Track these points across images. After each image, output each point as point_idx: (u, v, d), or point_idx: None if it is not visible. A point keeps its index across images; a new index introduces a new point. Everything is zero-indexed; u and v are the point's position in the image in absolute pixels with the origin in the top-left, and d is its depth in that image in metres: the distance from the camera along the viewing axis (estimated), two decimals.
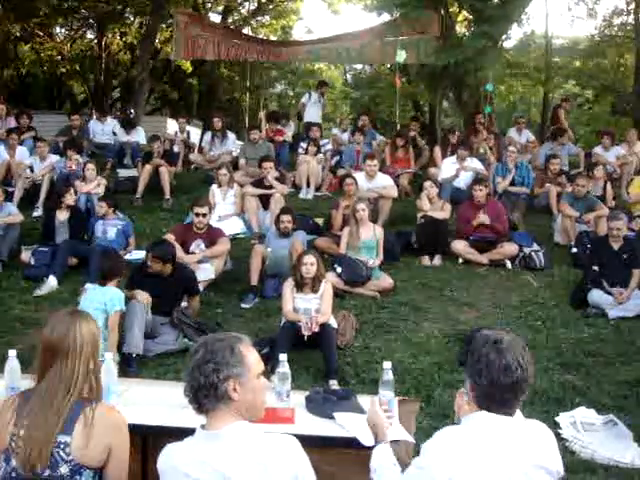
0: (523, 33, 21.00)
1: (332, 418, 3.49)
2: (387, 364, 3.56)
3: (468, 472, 2.41)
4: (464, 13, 17.63)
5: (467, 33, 15.06)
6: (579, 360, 6.53)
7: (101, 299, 6.12)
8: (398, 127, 15.02)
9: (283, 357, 3.72)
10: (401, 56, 13.64)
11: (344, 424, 3.41)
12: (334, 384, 5.87)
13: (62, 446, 2.60)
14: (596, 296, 7.60)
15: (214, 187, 9.96)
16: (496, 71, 14.92)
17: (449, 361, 6.50)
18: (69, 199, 8.97)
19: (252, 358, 2.53)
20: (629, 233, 8.62)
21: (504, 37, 15.29)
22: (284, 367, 3.68)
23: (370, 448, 3.08)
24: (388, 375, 3.54)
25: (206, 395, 2.44)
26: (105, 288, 6.23)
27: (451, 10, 15.84)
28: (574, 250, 8.91)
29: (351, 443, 3.31)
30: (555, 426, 5.32)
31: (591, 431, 5.28)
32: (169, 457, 2.51)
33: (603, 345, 6.86)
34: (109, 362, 3.62)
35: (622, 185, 11.29)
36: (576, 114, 25.72)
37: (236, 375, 2.45)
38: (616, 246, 7.93)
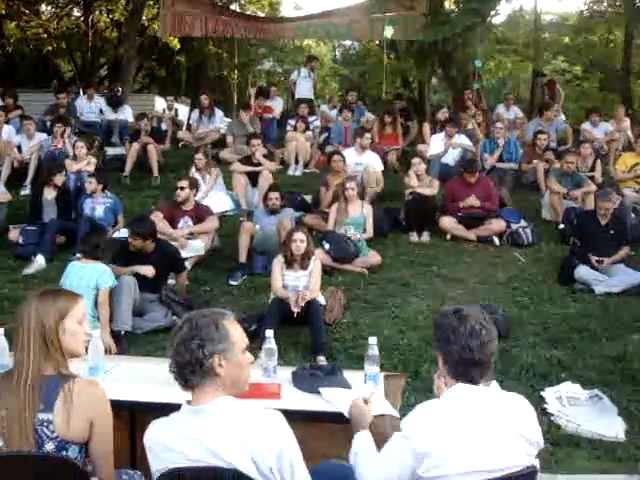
0: (512, 9, 21.00)
1: (318, 393, 3.52)
2: (372, 339, 3.60)
3: (447, 444, 2.47)
4: None
5: (455, 10, 14.97)
6: (565, 335, 6.57)
7: (91, 275, 6.12)
8: (390, 103, 14.97)
9: (269, 333, 3.75)
10: (389, 32, 13.58)
11: (330, 399, 3.44)
12: (322, 360, 5.89)
13: (45, 424, 2.62)
14: (583, 272, 7.63)
15: (193, 170, 9.88)
16: (484, 47, 14.89)
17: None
18: (59, 180, 8.94)
19: (236, 333, 2.55)
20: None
21: (492, 13, 15.22)
22: (270, 343, 3.71)
23: None
24: (373, 350, 3.58)
25: (192, 371, 2.46)
26: (90, 265, 6.22)
27: None
28: (561, 226, 8.95)
29: (338, 418, 3.34)
30: (541, 401, 5.37)
31: (576, 405, 5.33)
32: (155, 432, 2.54)
33: (589, 320, 6.90)
34: (96, 339, 3.63)
35: (610, 161, 11.32)
36: (565, 90, 25.75)
37: (221, 351, 2.47)
38: (603, 221, 7.98)
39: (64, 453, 2.64)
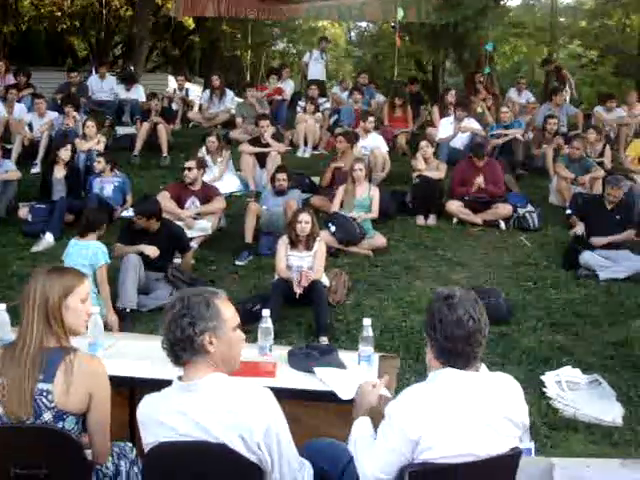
0: None
1: (313, 373, 3.57)
2: (367, 321, 3.65)
3: (435, 429, 2.49)
4: None
5: None
6: (568, 320, 6.60)
7: (85, 254, 6.17)
8: (399, 86, 14.91)
9: (266, 312, 3.80)
10: (400, 14, 13.54)
11: (323, 378, 3.48)
12: (324, 340, 5.95)
13: (45, 394, 2.70)
14: (588, 257, 7.63)
15: (204, 151, 9.90)
16: (498, 31, 14.81)
17: None
18: (64, 154, 8.97)
19: (228, 312, 2.60)
20: None
21: None
22: (267, 322, 3.76)
23: (348, 402, 3.16)
24: (368, 331, 3.63)
25: (183, 348, 2.51)
26: (86, 243, 6.26)
27: None
28: (568, 211, 8.93)
29: (331, 397, 3.39)
30: (540, 385, 5.42)
31: (575, 390, 5.35)
32: (147, 407, 2.60)
33: (592, 306, 6.91)
34: (96, 316, 3.69)
35: (620, 147, 11.26)
36: (580, 75, 25.57)
37: (212, 328, 2.51)
38: (609, 206, 7.97)
39: (61, 423, 2.71)
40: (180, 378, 2.58)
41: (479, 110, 11.82)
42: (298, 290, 6.36)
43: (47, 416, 2.70)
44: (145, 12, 18.00)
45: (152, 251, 6.72)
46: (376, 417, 2.94)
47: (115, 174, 9.14)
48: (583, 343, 6.20)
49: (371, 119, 10.35)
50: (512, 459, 2.61)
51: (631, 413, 5.11)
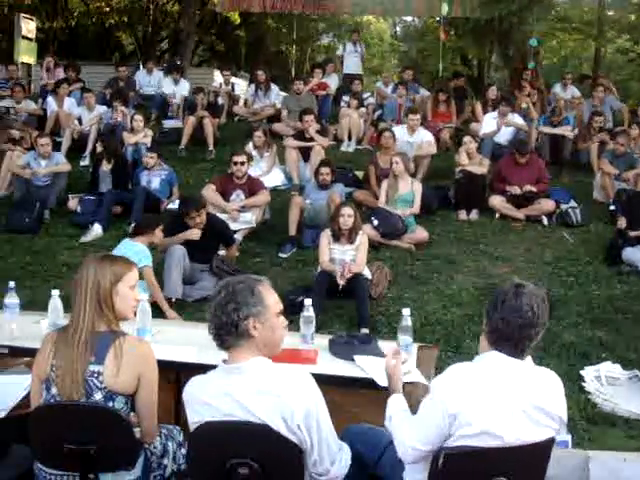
0: None
1: (353, 360, 3.67)
2: (406, 310, 3.73)
3: (474, 405, 2.59)
4: None
5: None
6: (609, 316, 6.61)
7: (129, 254, 6.33)
8: (442, 81, 14.91)
9: (308, 302, 3.90)
10: (445, 9, 13.53)
11: (363, 366, 3.58)
12: (365, 332, 6.03)
13: (96, 375, 2.84)
14: (630, 253, 7.61)
15: (250, 146, 9.98)
16: (542, 26, 14.69)
17: (479, 314, 6.56)
18: (98, 147, 9.22)
19: (271, 298, 2.71)
20: None
21: None
22: (309, 311, 3.86)
23: (387, 389, 3.26)
24: (407, 321, 3.71)
25: (228, 332, 2.62)
26: (134, 244, 6.41)
27: None
28: (612, 207, 8.89)
29: (370, 384, 3.49)
30: (579, 379, 5.45)
31: (615, 385, 5.39)
32: (193, 388, 2.71)
33: (634, 302, 6.90)
34: (145, 303, 3.83)
35: None
36: (629, 70, 25.20)
37: (255, 314, 2.62)
38: None
39: (111, 403, 2.84)
40: (225, 361, 2.69)
41: (524, 105, 11.75)
42: (341, 282, 6.45)
43: (98, 396, 2.83)
44: (191, 7, 18.20)
45: (194, 235, 6.84)
46: (413, 403, 3.04)
47: (162, 167, 9.32)
48: (623, 339, 6.22)
49: (412, 117, 10.25)
50: (544, 449, 2.67)
51: None
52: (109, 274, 2.98)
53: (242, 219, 8.14)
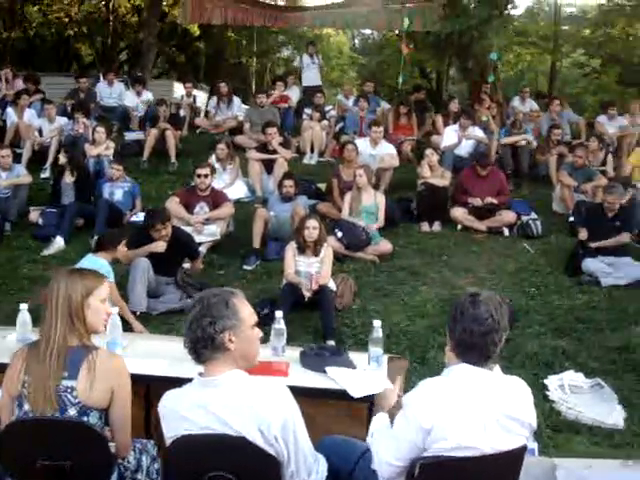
0: (532, 1, 20.91)
1: (324, 372, 3.69)
2: (377, 322, 3.77)
3: (447, 419, 2.63)
4: None
5: (471, 1, 15.01)
6: (571, 326, 6.69)
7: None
8: (402, 94, 15.04)
9: (279, 314, 3.92)
10: (406, 23, 13.66)
11: (335, 377, 3.61)
12: (331, 344, 6.05)
13: (69, 390, 2.83)
14: (590, 264, 7.74)
15: (213, 159, 9.97)
16: (502, 40, 14.91)
17: (444, 324, 6.61)
18: (61, 159, 9.19)
19: (245, 311, 2.72)
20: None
21: (510, 6, 15.24)
22: (280, 324, 3.88)
23: (359, 400, 3.29)
24: (378, 333, 3.75)
25: (204, 346, 2.63)
26: (96, 259, 6.28)
27: None
28: (571, 219, 9.04)
29: (342, 395, 3.51)
30: (543, 388, 5.53)
31: (578, 393, 5.46)
32: (169, 402, 2.72)
33: (595, 312, 7.01)
34: (115, 317, 3.82)
35: (622, 156, 11.37)
36: (584, 83, 25.70)
37: (231, 327, 2.64)
38: (610, 214, 8.10)
39: (85, 418, 2.83)
40: (201, 374, 2.70)
41: (484, 118, 11.92)
42: (307, 294, 6.47)
43: (72, 411, 2.82)
44: (153, 18, 18.14)
45: (159, 247, 6.81)
46: (391, 412, 3.09)
47: (125, 179, 9.27)
48: (585, 348, 6.30)
49: (375, 129, 10.34)
50: (517, 457, 2.73)
51: (632, 416, 5.21)
52: (80, 287, 2.97)
53: (206, 231, 8.13)
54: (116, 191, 9.07)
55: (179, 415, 2.64)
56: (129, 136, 12.14)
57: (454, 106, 12.46)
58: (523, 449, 2.74)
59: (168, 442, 2.67)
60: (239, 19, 15.43)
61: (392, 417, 3.04)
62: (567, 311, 7.00)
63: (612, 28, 22.50)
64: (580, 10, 25.33)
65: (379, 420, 3.08)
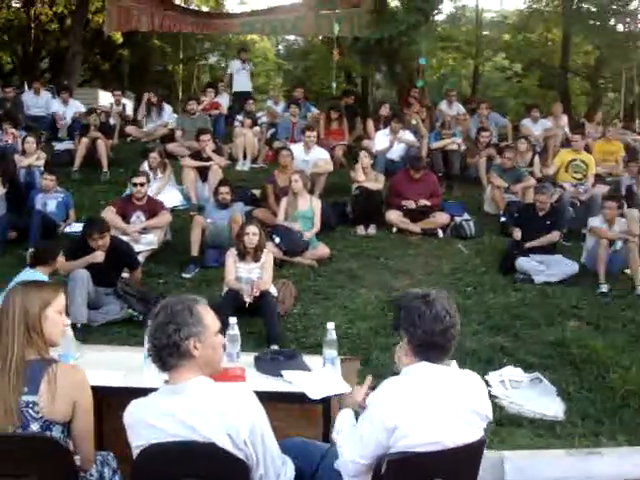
0: (455, 7, 21.31)
1: (280, 376, 3.73)
2: (330, 324, 3.83)
3: (411, 417, 2.71)
4: None
5: (399, 7, 15.23)
6: (507, 323, 6.90)
7: None
8: (336, 100, 15.12)
9: (233, 320, 3.94)
10: (336, 29, 13.78)
11: (293, 380, 3.65)
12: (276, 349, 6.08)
13: (31, 405, 2.79)
14: (523, 263, 7.99)
15: (145, 166, 9.86)
16: (428, 45, 15.16)
17: (384, 326, 6.79)
18: None
19: (209, 317, 2.74)
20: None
21: (436, 12, 15.54)
22: (234, 329, 3.91)
23: (313, 402, 3.35)
24: (332, 335, 3.81)
25: (169, 354, 2.64)
26: (33, 273, 6.21)
27: None
28: (502, 219, 9.30)
29: (300, 398, 3.56)
30: (485, 384, 5.66)
31: (518, 388, 5.65)
32: (135, 410, 2.71)
33: (529, 309, 7.25)
34: (67, 328, 3.77)
35: (548, 157, 11.71)
36: (505, 87, 26.32)
37: (196, 334, 2.65)
38: (541, 213, 8.37)
39: (48, 433, 2.81)
40: (167, 382, 2.71)
41: (413, 122, 12.12)
42: (249, 300, 6.49)
43: (34, 426, 2.79)
44: (78, 25, 17.83)
45: (98, 257, 6.75)
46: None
47: (57, 190, 9.13)
48: (522, 344, 6.52)
49: (308, 134, 10.46)
50: (478, 448, 2.83)
51: (571, 408, 5.43)
52: (37, 300, 2.94)
53: (144, 241, 8.07)
54: (49, 202, 8.92)
55: (147, 424, 2.64)
56: (58, 146, 11.93)
57: (385, 110, 12.60)
58: (483, 441, 2.84)
59: (136, 451, 2.66)
60: (166, 26, 15.30)
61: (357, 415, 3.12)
62: (503, 309, 7.21)
63: (531, 33, 23.16)
64: (500, 15, 25.93)
65: (344, 416, 3.14)
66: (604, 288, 7.65)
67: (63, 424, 2.86)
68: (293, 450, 3.09)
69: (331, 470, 2.99)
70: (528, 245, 8.15)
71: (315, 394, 3.45)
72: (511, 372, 5.88)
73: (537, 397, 5.54)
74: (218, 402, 2.62)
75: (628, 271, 7.97)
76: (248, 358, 3.99)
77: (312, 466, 3.09)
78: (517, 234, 8.28)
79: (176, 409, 2.61)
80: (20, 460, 2.73)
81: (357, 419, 3.01)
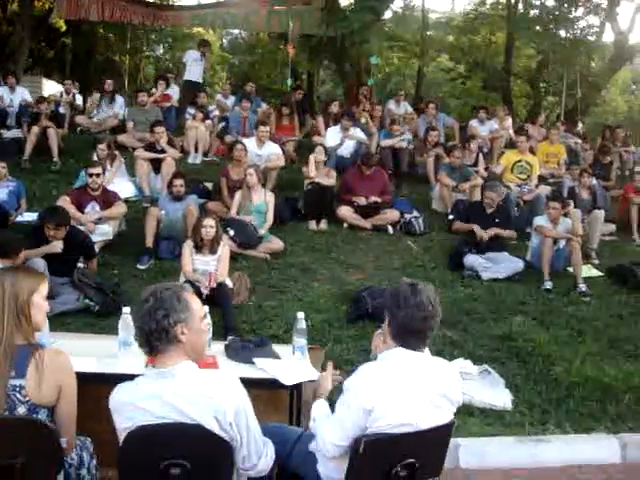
0: (404, 5, 21.45)
1: (252, 363, 3.86)
2: (300, 314, 3.98)
3: (387, 399, 2.88)
4: None
5: (351, 6, 15.41)
6: (456, 317, 7.13)
7: None
8: (286, 95, 15.22)
9: (205, 308, 4.03)
10: (291, 26, 13.89)
11: (264, 367, 3.79)
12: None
13: (18, 389, 2.86)
14: (471, 260, 8.26)
15: (95, 158, 9.74)
16: (378, 44, 15.38)
17: (338, 318, 6.97)
18: None
19: (195, 304, 2.86)
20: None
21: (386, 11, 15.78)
22: (207, 318, 3.99)
23: (281, 388, 3.49)
24: (301, 324, 3.96)
25: (158, 338, 2.74)
26: None
27: None
28: (450, 217, 9.55)
29: (272, 385, 3.70)
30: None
31: (469, 380, 5.85)
32: (122, 394, 2.79)
33: (477, 304, 7.52)
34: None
35: (494, 158, 12.05)
36: (448, 87, 26.73)
37: (184, 319, 2.76)
38: (489, 210, 8.65)
39: (35, 416, 2.88)
40: (153, 366, 2.81)
41: (363, 120, 12.31)
42: (205, 291, 6.58)
43: (21, 410, 2.86)
44: (26, 11, 17.53)
45: (56, 248, 6.76)
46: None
47: (8, 179, 9.05)
48: (471, 337, 6.77)
49: (262, 128, 10.55)
50: (447, 430, 3.02)
51: (518, 398, 5.69)
52: (26, 286, 3.01)
53: (99, 231, 8.06)
54: (0, 191, 8.84)
55: (134, 406, 2.72)
56: (6, 134, 11.78)
57: (335, 107, 12.77)
58: (452, 424, 3.02)
59: (123, 434, 2.74)
60: (117, 16, 15.19)
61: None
62: (452, 303, 7.41)
63: (476, 35, 23.60)
64: (446, 17, 26.30)
65: (319, 406, 3.29)
66: (548, 285, 7.97)
67: (48, 408, 2.93)
68: (269, 434, 3.23)
69: (306, 452, 3.14)
70: (482, 233, 8.48)
71: (287, 380, 3.58)
72: (461, 364, 6.08)
73: (487, 388, 5.77)
74: (205, 386, 2.73)
75: (571, 269, 8.29)
76: (219, 346, 4.10)
77: (286, 449, 3.24)
78: (477, 229, 8.56)
79: (163, 392, 2.71)
80: (8, 443, 2.79)
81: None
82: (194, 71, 14.50)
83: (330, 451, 3.00)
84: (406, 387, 2.91)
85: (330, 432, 3.01)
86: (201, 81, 14.83)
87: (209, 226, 6.94)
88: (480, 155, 11.35)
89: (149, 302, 2.77)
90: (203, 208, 9.04)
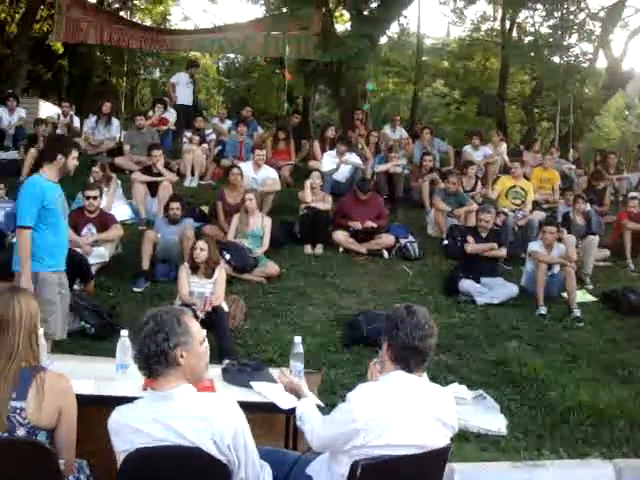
0: (400, 30, 21.54)
1: (249, 387, 3.87)
2: (298, 338, 4.00)
3: (382, 416, 2.92)
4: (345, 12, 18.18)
5: (348, 31, 15.52)
6: (451, 342, 7.15)
7: None
8: (282, 120, 15.30)
9: (203, 332, 4.06)
10: (286, 51, 13.99)
11: (262, 391, 3.80)
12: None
13: (18, 411, 2.88)
14: (466, 285, 8.31)
15: (90, 180, 9.84)
16: (374, 70, 15.48)
17: (333, 343, 7.00)
18: None
19: (195, 328, 2.89)
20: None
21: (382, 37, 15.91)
22: (206, 342, 4.02)
23: (278, 412, 3.52)
24: (299, 348, 3.98)
25: (157, 361, 2.76)
26: None
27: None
28: (445, 242, 9.61)
29: (270, 407, 3.72)
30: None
31: (463, 404, 5.86)
32: (121, 416, 2.81)
33: (472, 329, 7.56)
34: (40, 337, 3.85)
35: (488, 183, 12.11)
36: (443, 112, 26.86)
37: (183, 343, 2.79)
38: (483, 234, 8.71)
39: (34, 438, 2.89)
40: (153, 389, 2.83)
41: (359, 146, 12.39)
42: (201, 315, 6.60)
43: (21, 432, 2.87)
44: (24, 34, 17.60)
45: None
46: None
47: (5, 200, 9.08)
48: (466, 362, 6.79)
49: (258, 152, 10.62)
50: (443, 454, 3.04)
51: (513, 423, 5.70)
52: (34, 306, 3.05)
53: (95, 253, 8.08)
54: None
55: (133, 429, 2.74)
56: (3, 155, 11.81)
57: (331, 132, 12.84)
58: (448, 448, 3.05)
59: (122, 456, 2.75)
60: (115, 40, 15.27)
61: None
62: (447, 328, 7.42)
63: (470, 61, 23.76)
64: (441, 43, 26.46)
65: (305, 403, 3.45)
66: (542, 310, 8.02)
67: (48, 430, 2.95)
68: (266, 457, 3.25)
69: (303, 476, 3.17)
70: (472, 248, 8.58)
71: (284, 404, 3.60)
72: (456, 389, 6.08)
73: (481, 413, 5.78)
74: (203, 409, 2.75)
75: (565, 294, 8.33)
76: (216, 370, 4.11)
77: (283, 472, 3.25)
78: (470, 240, 8.67)
79: (163, 414, 2.73)
80: (8, 464, 2.81)
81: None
82: (184, 93, 14.54)
83: (315, 443, 3.16)
84: (403, 407, 2.96)
85: (320, 428, 3.14)
86: (191, 103, 14.85)
87: (199, 248, 6.98)
88: (479, 181, 11.41)
89: (149, 325, 2.80)
90: (200, 232, 9.08)
